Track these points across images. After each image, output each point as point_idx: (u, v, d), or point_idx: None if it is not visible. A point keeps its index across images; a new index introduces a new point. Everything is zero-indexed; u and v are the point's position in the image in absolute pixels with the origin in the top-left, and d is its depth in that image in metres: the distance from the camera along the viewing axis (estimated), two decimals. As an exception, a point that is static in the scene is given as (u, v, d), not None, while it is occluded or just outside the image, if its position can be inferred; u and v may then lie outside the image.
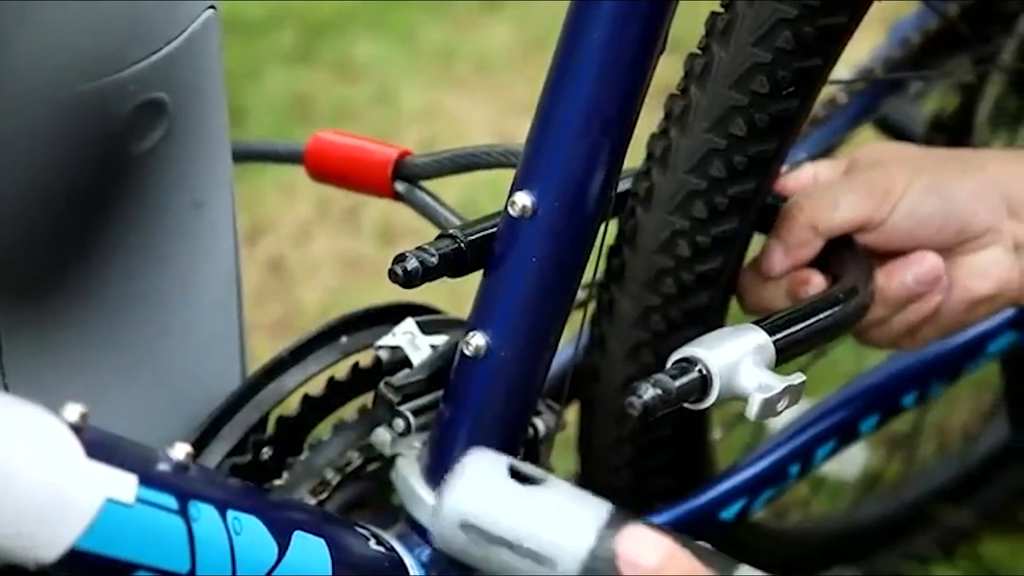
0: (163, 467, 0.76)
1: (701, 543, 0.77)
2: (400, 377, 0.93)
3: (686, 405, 0.85)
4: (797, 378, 0.86)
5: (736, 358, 0.85)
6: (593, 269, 0.90)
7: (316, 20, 2.15)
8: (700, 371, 0.84)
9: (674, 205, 0.94)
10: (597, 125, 0.83)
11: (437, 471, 0.90)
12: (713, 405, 0.85)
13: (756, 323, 0.88)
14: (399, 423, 0.92)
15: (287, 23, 2.15)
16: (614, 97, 0.83)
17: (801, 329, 0.90)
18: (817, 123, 1.28)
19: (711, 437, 1.11)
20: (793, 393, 0.86)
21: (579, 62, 0.82)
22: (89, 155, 0.84)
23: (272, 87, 2.04)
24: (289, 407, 0.95)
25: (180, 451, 0.77)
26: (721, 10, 0.91)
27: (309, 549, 0.83)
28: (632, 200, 0.96)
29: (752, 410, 0.85)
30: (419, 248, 0.87)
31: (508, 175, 0.87)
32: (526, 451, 0.95)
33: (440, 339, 0.95)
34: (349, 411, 0.97)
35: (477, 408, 0.89)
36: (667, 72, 0.90)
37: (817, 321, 0.91)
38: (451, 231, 0.88)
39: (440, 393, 0.92)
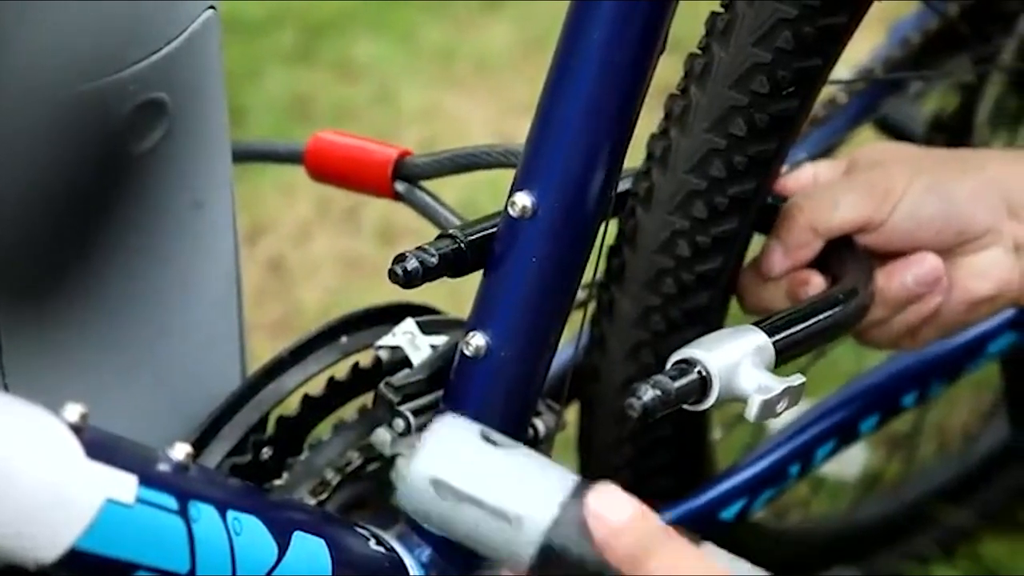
0: (163, 467, 0.76)
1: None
2: (400, 377, 0.93)
3: (685, 406, 0.85)
4: (796, 379, 0.86)
5: (736, 359, 0.85)
6: (593, 269, 0.90)
7: (316, 20, 2.15)
8: (699, 372, 0.84)
9: (674, 205, 0.94)
10: (597, 125, 0.83)
11: (437, 471, 0.90)
12: (713, 406, 0.85)
13: (756, 324, 0.88)
14: (399, 423, 0.92)
15: (287, 23, 2.15)
16: (614, 97, 0.83)
17: (801, 330, 0.90)
18: (817, 123, 1.28)
19: (711, 437, 1.11)
20: (792, 395, 0.86)
21: (579, 62, 0.82)
22: (89, 155, 0.84)
23: (272, 87, 2.04)
24: (289, 407, 0.95)
25: (180, 451, 0.77)
26: (721, 10, 0.91)
27: (309, 549, 0.83)
28: (632, 200, 0.96)
29: (751, 412, 0.85)
30: (419, 248, 0.87)
31: (508, 175, 0.87)
32: (526, 451, 0.95)
33: (440, 339, 0.95)
34: (349, 411, 0.97)
35: (477, 408, 0.89)
36: (667, 72, 0.90)
37: (817, 322, 0.91)
38: (451, 231, 0.88)
39: (440, 393, 0.92)
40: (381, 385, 0.93)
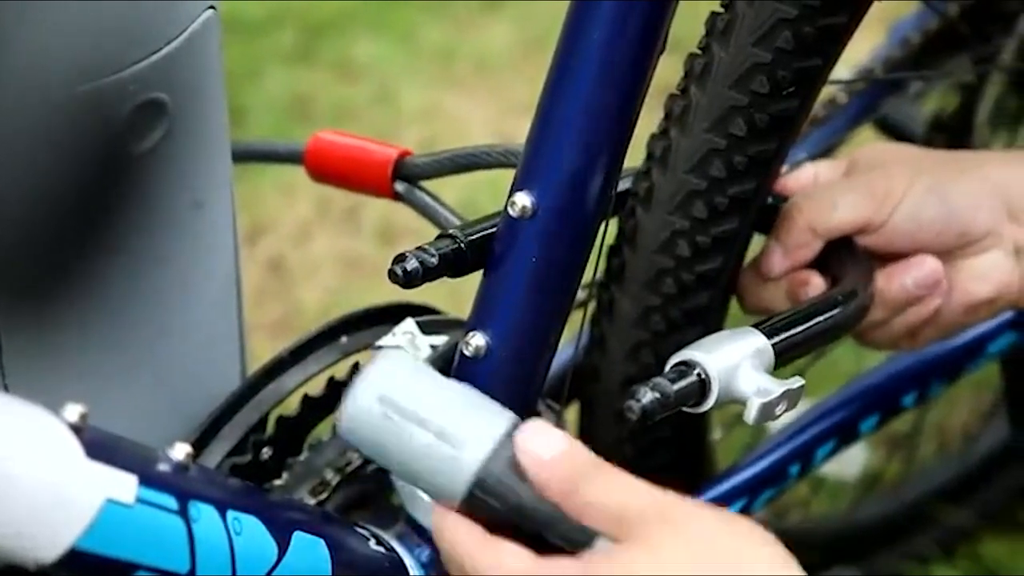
0: (163, 467, 0.76)
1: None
2: (400, 377, 0.93)
3: (685, 409, 0.85)
4: (795, 382, 0.86)
5: (735, 362, 0.85)
6: (593, 269, 0.90)
7: (316, 20, 2.15)
8: (699, 375, 0.84)
9: (674, 205, 0.94)
10: (597, 125, 0.83)
11: (437, 471, 0.90)
12: (712, 407, 0.85)
13: (755, 326, 0.88)
14: (399, 423, 0.92)
15: (287, 23, 2.15)
16: (614, 97, 0.83)
17: (800, 332, 0.90)
18: (817, 123, 1.28)
19: (711, 437, 1.11)
20: (791, 397, 0.86)
21: (579, 62, 0.82)
22: (89, 155, 0.84)
23: (272, 87, 2.04)
24: (289, 407, 0.95)
25: (180, 451, 0.77)
26: (721, 10, 0.91)
27: (309, 549, 0.83)
28: (632, 200, 0.96)
29: (750, 414, 0.85)
30: (419, 248, 0.87)
31: (508, 175, 0.87)
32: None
33: (440, 339, 0.95)
34: (349, 411, 0.97)
35: (477, 408, 0.89)
36: (667, 72, 0.90)
37: (816, 324, 0.91)
38: (451, 231, 0.88)
39: (440, 393, 0.92)
40: (381, 385, 0.93)
